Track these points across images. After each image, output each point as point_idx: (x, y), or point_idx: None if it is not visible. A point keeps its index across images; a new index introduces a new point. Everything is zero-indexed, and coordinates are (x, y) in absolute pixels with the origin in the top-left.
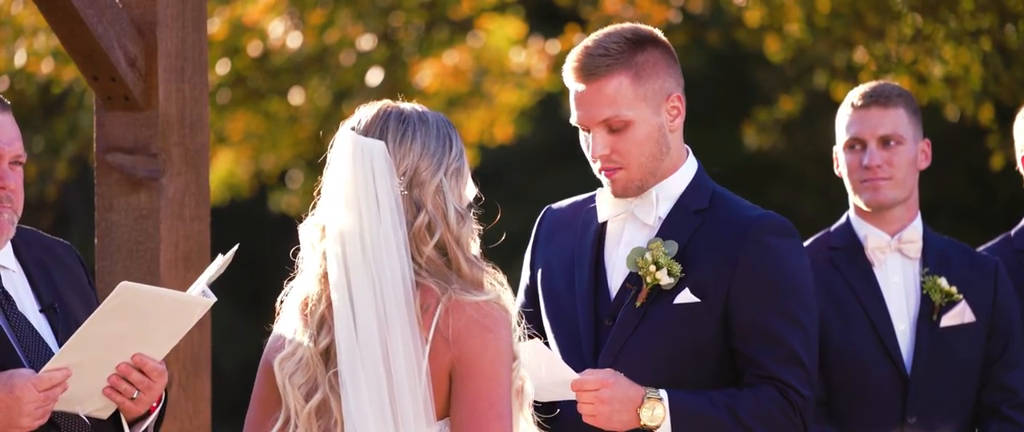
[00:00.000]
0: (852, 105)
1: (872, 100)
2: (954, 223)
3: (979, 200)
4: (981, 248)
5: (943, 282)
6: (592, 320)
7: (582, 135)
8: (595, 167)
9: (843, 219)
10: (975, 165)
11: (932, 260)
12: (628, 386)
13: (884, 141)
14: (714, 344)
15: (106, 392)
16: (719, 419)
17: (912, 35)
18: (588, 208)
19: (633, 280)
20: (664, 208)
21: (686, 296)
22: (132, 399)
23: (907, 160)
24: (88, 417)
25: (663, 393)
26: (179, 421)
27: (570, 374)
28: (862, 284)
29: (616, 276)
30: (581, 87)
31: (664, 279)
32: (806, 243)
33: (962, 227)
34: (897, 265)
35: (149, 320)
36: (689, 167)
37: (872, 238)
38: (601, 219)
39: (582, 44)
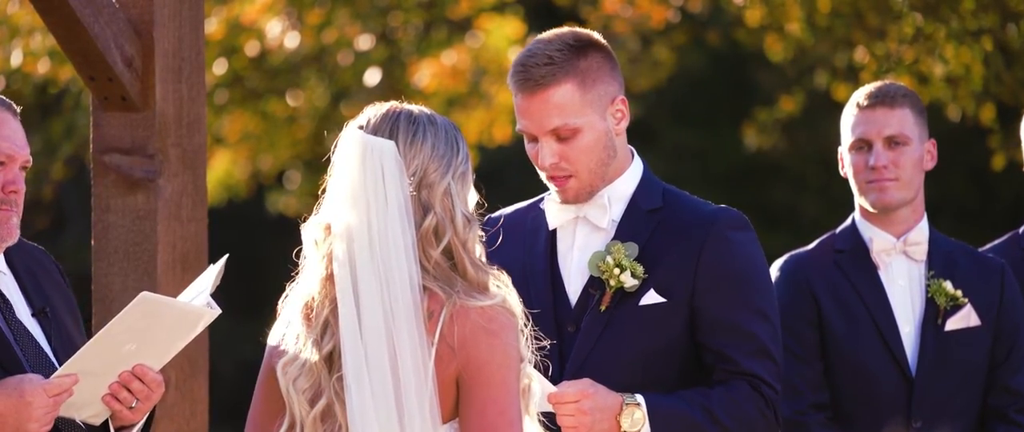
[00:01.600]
0: (858, 105)
1: (878, 100)
2: (956, 224)
3: (980, 200)
4: (987, 247)
5: (948, 285)
6: (554, 328)
7: (528, 144)
8: (543, 175)
9: (848, 221)
10: (977, 165)
11: (938, 263)
12: (607, 394)
13: (890, 141)
14: (682, 342)
15: (106, 400)
16: (696, 420)
17: (913, 35)
18: (534, 215)
19: (595, 285)
20: (617, 210)
21: (652, 297)
22: (131, 408)
23: (913, 161)
24: (83, 422)
25: (640, 398)
26: (176, 423)
27: (547, 386)
28: (867, 286)
29: (574, 282)
30: (527, 96)
31: (628, 281)
32: (811, 245)
33: (963, 228)
34: (903, 267)
35: (157, 330)
36: (636, 167)
37: (878, 240)
38: (552, 226)
39: (524, 52)
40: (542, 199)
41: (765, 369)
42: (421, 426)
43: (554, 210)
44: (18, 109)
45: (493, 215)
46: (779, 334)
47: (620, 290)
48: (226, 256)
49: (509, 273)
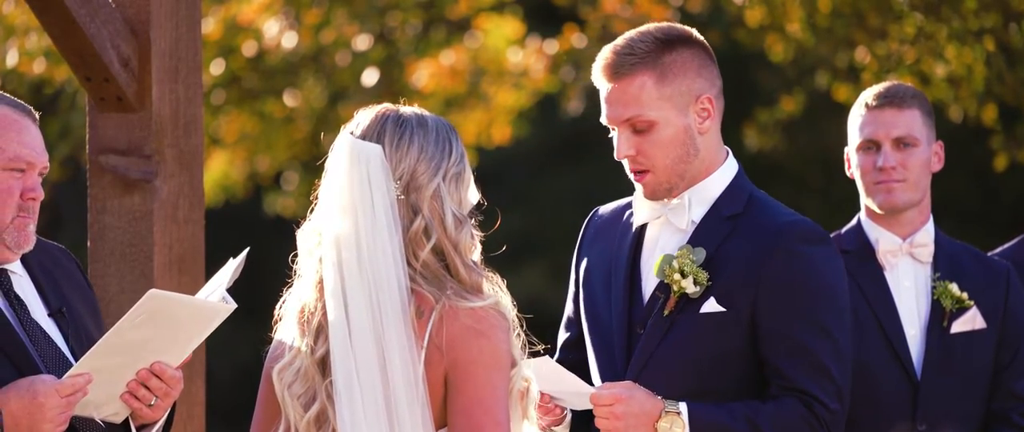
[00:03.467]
0: (866, 106)
1: (887, 101)
2: (958, 224)
3: (982, 201)
4: (996, 251)
5: (954, 288)
6: (625, 327)
7: (613, 134)
8: (626, 167)
9: (854, 221)
10: (979, 166)
11: (943, 265)
12: (645, 399)
13: (899, 143)
14: (741, 353)
15: (125, 398)
16: None
17: (914, 35)
18: (628, 212)
19: (662, 288)
20: (698, 212)
21: (712, 305)
22: (149, 406)
23: (921, 162)
24: (103, 421)
25: (682, 406)
26: (173, 426)
27: (585, 387)
28: (873, 288)
29: (650, 283)
30: (608, 85)
31: (690, 288)
32: None
33: (966, 228)
34: (908, 269)
35: (171, 327)
36: (727, 170)
37: (883, 241)
38: (636, 223)
39: (614, 42)
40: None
41: (821, 387)
42: (412, 430)
43: (640, 206)
44: (38, 116)
45: (599, 209)
46: (845, 353)
47: (684, 296)
48: (246, 250)
49: (597, 268)
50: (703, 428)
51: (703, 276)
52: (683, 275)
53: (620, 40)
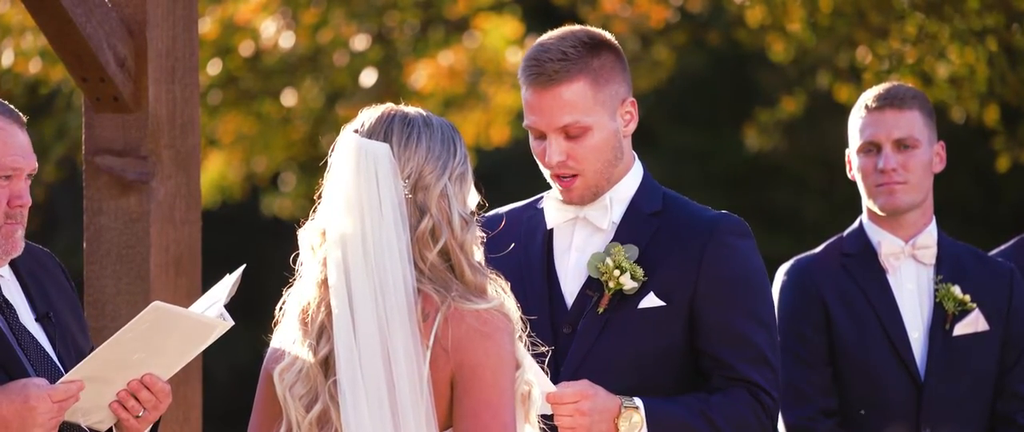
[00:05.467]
0: (866, 107)
1: (887, 102)
2: (960, 225)
3: (984, 202)
4: (995, 251)
5: (957, 290)
6: (549, 329)
7: (534, 141)
8: (547, 173)
9: (856, 224)
10: (981, 167)
11: (946, 267)
12: (606, 397)
13: (899, 144)
14: (679, 347)
15: (113, 407)
16: (695, 425)
17: (916, 35)
18: (531, 214)
19: (593, 286)
20: (617, 212)
21: (651, 300)
22: (137, 417)
23: (922, 164)
24: (89, 428)
25: (638, 401)
26: (169, 429)
27: (547, 387)
28: (876, 291)
29: (570, 283)
30: (538, 92)
31: (627, 283)
32: (818, 249)
33: (968, 229)
34: (911, 271)
35: (167, 340)
36: (637, 170)
37: (886, 244)
38: (549, 225)
39: (536, 46)
40: (541, 198)
41: (763, 377)
42: (416, 430)
43: (553, 209)
44: (25, 119)
45: (490, 213)
46: (777, 342)
47: (618, 293)
48: (243, 266)
49: (505, 272)
50: (660, 421)
51: (639, 272)
52: (620, 271)
53: (544, 43)
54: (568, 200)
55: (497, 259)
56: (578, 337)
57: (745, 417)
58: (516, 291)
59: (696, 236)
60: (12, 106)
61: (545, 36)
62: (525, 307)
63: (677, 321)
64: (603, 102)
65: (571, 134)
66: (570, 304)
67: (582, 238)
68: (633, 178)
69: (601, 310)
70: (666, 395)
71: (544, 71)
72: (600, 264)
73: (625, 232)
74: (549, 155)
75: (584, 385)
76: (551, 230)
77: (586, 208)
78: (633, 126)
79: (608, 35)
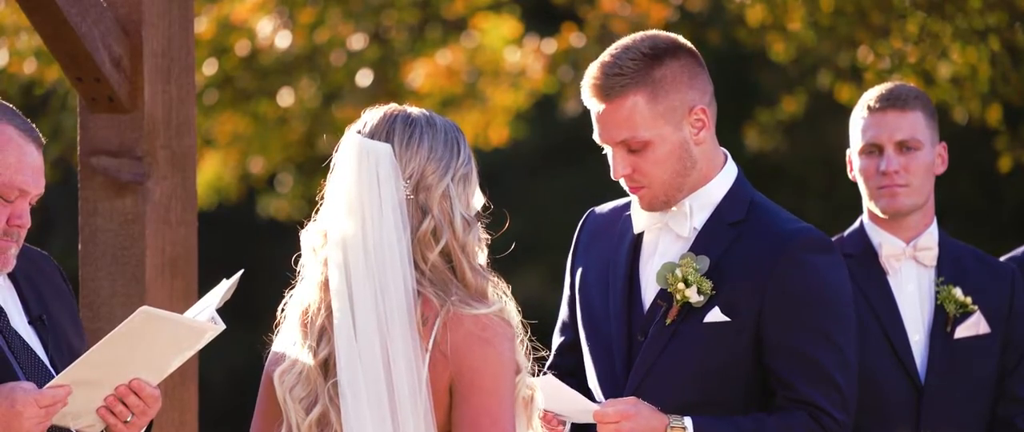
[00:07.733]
0: (868, 108)
1: (889, 103)
2: (962, 226)
3: (986, 202)
4: (1005, 257)
5: (958, 292)
6: (625, 335)
7: (607, 152)
8: (623, 184)
9: (856, 224)
10: (983, 167)
11: (947, 269)
12: (651, 415)
13: (901, 146)
14: (745, 363)
15: (101, 412)
16: None
17: (918, 34)
18: (626, 215)
19: (664, 296)
20: (699, 219)
21: (716, 315)
22: (125, 422)
23: (924, 165)
24: None
25: (687, 421)
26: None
27: (589, 404)
28: (876, 293)
29: (650, 290)
30: (599, 106)
31: (693, 297)
32: None
33: (970, 230)
34: (912, 273)
35: (156, 345)
36: (726, 175)
37: (887, 245)
38: (636, 230)
39: (600, 59)
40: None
41: (827, 398)
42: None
43: (639, 214)
44: (44, 141)
45: (594, 210)
46: (851, 363)
47: (687, 305)
48: (241, 271)
49: (593, 273)
50: None
51: (707, 285)
52: (686, 284)
53: (606, 57)
54: (642, 208)
55: (588, 259)
56: (647, 346)
57: None
58: (599, 295)
59: (770, 250)
60: (31, 125)
61: (614, 45)
62: (606, 311)
63: (742, 337)
64: (663, 114)
65: (632, 148)
66: (647, 312)
67: (665, 245)
68: (721, 183)
69: (669, 321)
70: (732, 411)
71: (601, 86)
72: (670, 275)
73: (703, 241)
74: (614, 169)
75: (628, 404)
76: (639, 235)
77: (669, 214)
78: (706, 133)
79: (679, 40)
